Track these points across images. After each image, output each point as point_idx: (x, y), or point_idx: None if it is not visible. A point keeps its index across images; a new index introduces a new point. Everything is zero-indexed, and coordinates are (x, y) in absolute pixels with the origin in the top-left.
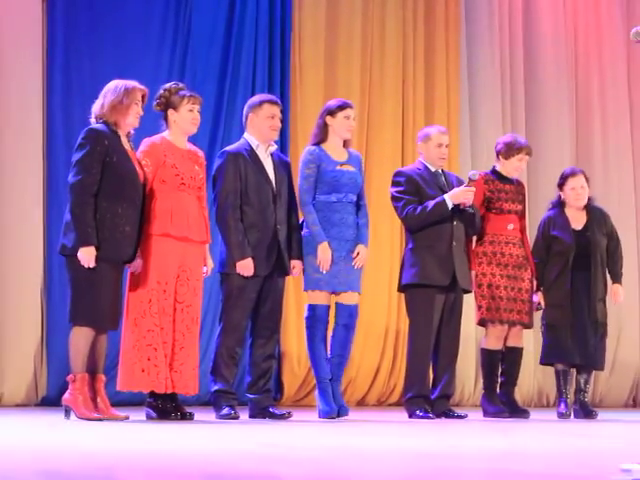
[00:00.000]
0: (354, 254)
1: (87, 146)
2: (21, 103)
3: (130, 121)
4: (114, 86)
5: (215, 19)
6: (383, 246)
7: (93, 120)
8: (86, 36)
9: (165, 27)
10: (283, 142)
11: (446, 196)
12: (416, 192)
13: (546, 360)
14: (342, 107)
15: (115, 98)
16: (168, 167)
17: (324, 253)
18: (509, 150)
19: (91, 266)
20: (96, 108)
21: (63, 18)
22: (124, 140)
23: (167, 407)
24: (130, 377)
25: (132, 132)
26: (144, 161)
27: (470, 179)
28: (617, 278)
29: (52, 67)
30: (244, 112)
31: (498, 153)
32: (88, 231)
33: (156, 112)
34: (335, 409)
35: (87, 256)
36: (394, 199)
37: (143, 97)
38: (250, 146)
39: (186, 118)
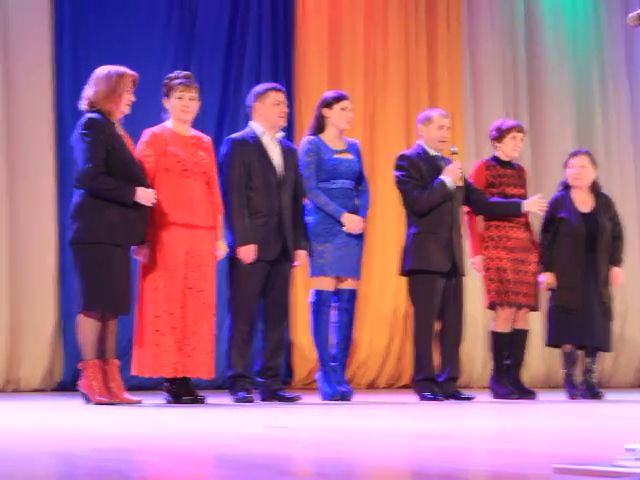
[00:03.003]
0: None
1: (90, 136)
2: (31, 95)
3: (123, 109)
4: (106, 73)
5: (220, 8)
6: (390, 231)
7: (85, 107)
8: (93, 24)
9: (170, 16)
10: (289, 131)
11: (442, 177)
12: (420, 176)
13: (554, 341)
14: (338, 99)
15: (108, 87)
16: (170, 155)
17: (350, 221)
18: (499, 132)
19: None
20: (88, 94)
21: (70, 8)
22: (118, 127)
23: (181, 391)
24: (140, 362)
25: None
26: (146, 152)
27: (453, 153)
28: (617, 262)
29: (60, 56)
30: (248, 101)
31: (493, 140)
32: (126, 193)
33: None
34: (338, 391)
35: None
36: (400, 182)
37: (134, 82)
38: (255, 133)
39: (176, 106)
